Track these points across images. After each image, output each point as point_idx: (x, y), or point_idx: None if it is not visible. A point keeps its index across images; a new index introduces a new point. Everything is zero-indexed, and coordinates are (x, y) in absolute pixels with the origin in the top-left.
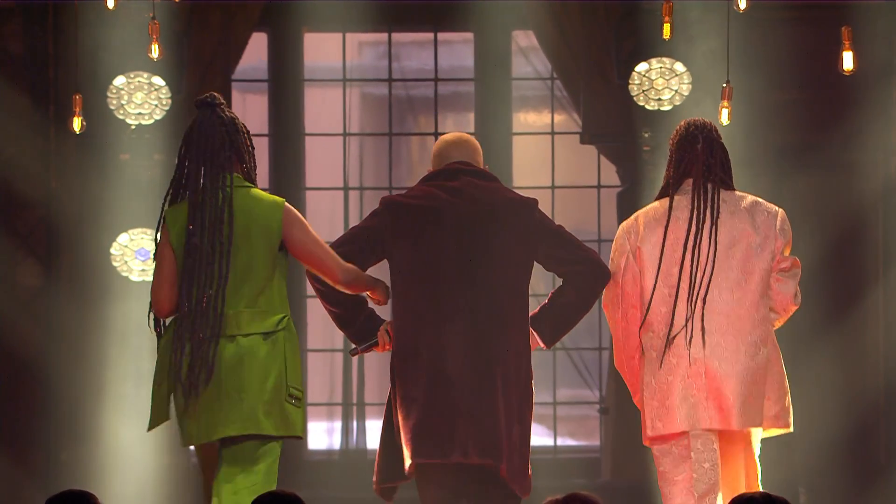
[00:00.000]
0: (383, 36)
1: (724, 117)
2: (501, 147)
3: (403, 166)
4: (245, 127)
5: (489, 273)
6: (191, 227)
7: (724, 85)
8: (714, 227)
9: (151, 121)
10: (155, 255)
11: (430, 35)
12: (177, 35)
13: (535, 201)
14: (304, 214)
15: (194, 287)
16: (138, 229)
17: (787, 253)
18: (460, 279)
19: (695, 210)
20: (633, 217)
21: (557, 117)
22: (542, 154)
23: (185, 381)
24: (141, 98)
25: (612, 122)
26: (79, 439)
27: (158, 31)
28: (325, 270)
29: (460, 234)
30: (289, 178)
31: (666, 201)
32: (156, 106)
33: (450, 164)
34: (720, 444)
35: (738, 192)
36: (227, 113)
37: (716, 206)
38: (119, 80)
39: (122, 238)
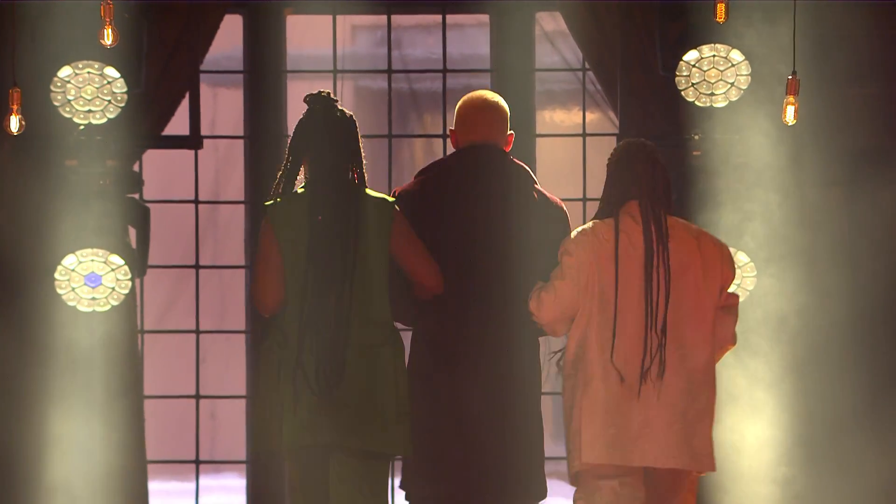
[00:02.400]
0: (382, 19)
1: (790, 115)
2: (523, 151)
3: (405, 173)
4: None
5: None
6: (319, 217)
7: (790, 77)
8: (665, 252)
9: (104, 120)
10: (258, 251)
11: (438, 17)
12: (134, 17)
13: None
14: None
15: (321, 284)
16: (88, 250)
17: (729, 289)
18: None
19: (649, 234)
20: (580, 233)
21: (590, 116)
22: (572, 159)
23: (314, 383)
24: (91, 92)
25: (656, 122)
26: (14, 486)
27: (112, 13)
28: (425, 276)
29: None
30: (268, 187)
31: (610, 222)
32: (109, 102)
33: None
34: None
35: (680, 220)
36: (345, 110)
37: (664, 230)
38: (65, 72)
39: (69, 260)
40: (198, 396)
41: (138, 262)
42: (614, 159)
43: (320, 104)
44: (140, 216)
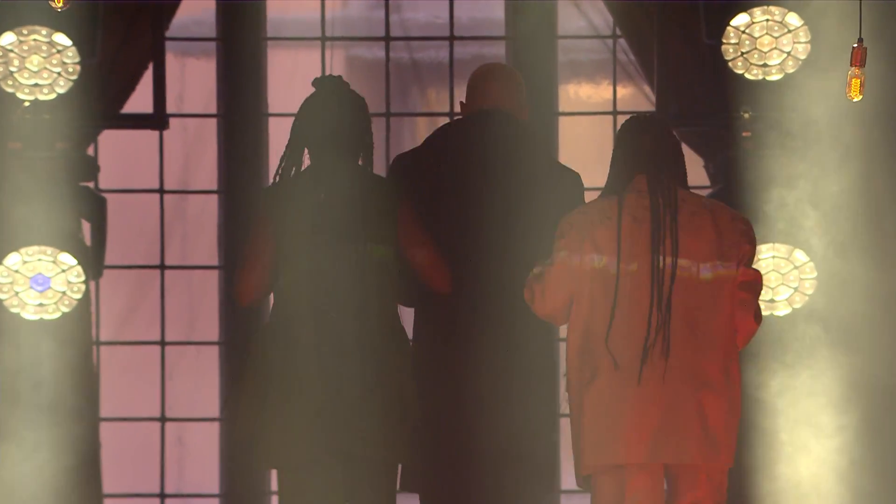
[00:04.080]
0: None
1: (855, 89)
2: (542, 132)
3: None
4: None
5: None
6: (322, 195)
7: (855, 45)
8: (674, 224)
9: (52, 95)
10: (249, 235)
11: None
12: None
13: None
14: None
15: (326, 273)
16: (35, 248)
17: (751, 264)
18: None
19: (656, 206)
20: (577, 212)
21: (622, 91)
22: (600, 141)
23: (324, 387)
24: (38, 63)
25: (699, 98)
26: None
27: None
28: (431, 275)
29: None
30: (245, 174)
31: (613, 199)
32: (59, 75)
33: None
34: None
35: (694, 193)
36: (357, 93)
37: (673, 202)
38: (7, 39)
39: (12, 260)
40: (163, 419)
41: (93, 262)
42: (620, 132)
43: (330, 85)
44: (95, 208)
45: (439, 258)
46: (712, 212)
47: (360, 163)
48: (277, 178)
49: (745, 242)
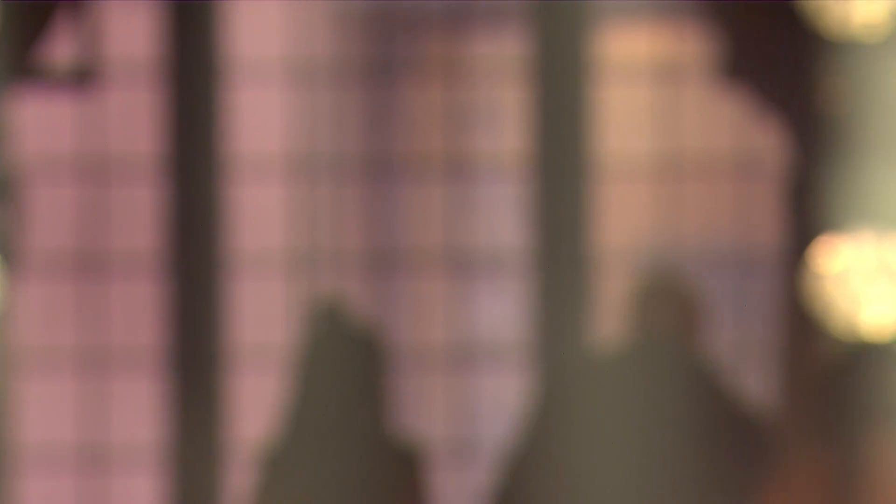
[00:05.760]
0: None
1: None
2: (572, 93)
3: (398, 128)
4: None
5: None
6: None
7: None
8: None
9: None
10: None
11: None
12: None
13: None
14: (214, 208)
15: None
16: None
17: None
18: None
19: None
20: None
21: (669, 42)
22: (644, 106)
23: None
24: None
25: (772, 51)
26: None
27: None
28: None
29: None
30: (194, 146)
31: None
32: None
33: None
34: None
35: None
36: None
37: None
38: None
39: None
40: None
41: (4, 252)
42: None
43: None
44: (2, 185)
45: None
46: None
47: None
48: None
49: None
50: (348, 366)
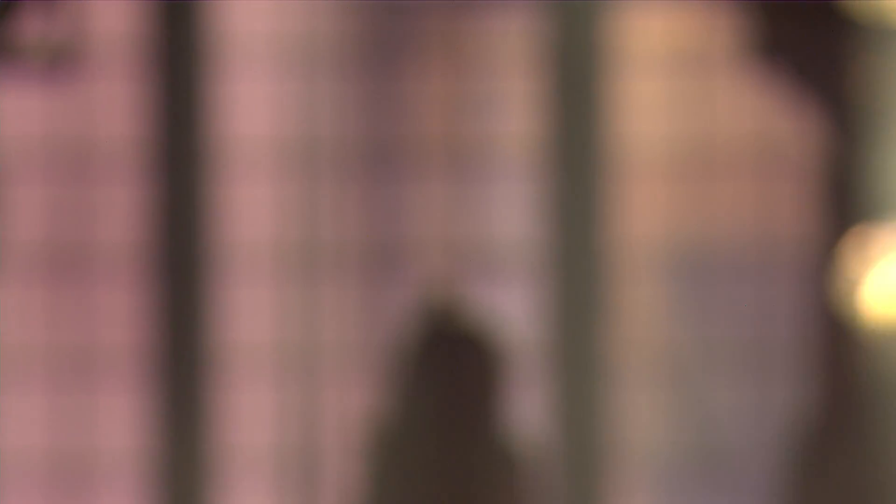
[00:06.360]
0: None
1: None
2: (585, 75)
3: (399, 115)
4: None
5: None
6: None
7: None
8: None
9: None
10: None
11: None
12: None
13: None
14: (204, 193)
15: None
16: None
17: None
18: None
19: None
20: None
21: (690, 20)
22: (665, 89)
23: None
24: None
25: (800, 29)
26: None
27: None
28: None
29: None
30: (183, 133)
31: None
32: None
33: None
34: None
35: None
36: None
37: None
38: None
39: None
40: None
41: None
42: None
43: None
44: None
45: None
46: None
47: None
48: None
49: None
50: (464, 367)
